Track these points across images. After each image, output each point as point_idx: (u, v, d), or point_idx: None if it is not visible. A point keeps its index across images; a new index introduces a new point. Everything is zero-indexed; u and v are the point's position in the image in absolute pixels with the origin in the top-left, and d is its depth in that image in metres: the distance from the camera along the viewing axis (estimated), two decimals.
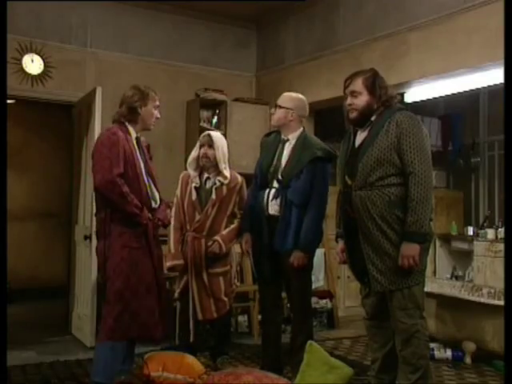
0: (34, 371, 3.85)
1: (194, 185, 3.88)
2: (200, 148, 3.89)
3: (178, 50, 5.85)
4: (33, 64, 5.07)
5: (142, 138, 3.37)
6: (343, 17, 5.19)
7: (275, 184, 3.52)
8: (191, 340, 3.90)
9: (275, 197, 3.50)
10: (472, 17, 4.11)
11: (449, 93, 5.03)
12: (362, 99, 2.92)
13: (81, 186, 4.97)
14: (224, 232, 3.83)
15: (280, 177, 3.51)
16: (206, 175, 3.90)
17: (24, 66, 5.03)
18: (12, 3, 4.36)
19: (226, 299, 3.88)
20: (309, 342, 3.28)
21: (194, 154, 3.94)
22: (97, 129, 4.57)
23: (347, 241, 3.06)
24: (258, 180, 3.65)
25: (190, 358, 3.57)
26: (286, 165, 3.52)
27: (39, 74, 5.10)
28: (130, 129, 3.23)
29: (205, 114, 5.82)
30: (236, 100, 5.90)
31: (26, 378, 3.71)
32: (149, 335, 3.12)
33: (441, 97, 5.40)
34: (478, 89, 5.20)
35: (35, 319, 5.66)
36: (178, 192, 3.97)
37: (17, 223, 6.56)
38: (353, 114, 2.96)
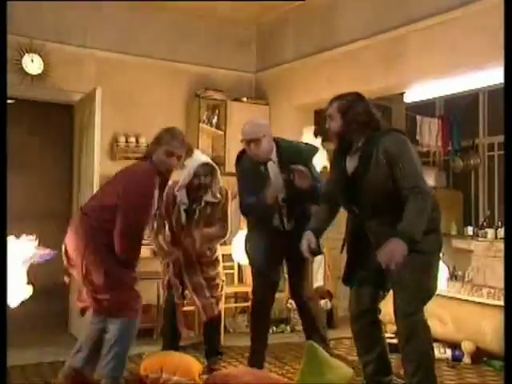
0: (34, 371, 3.85)
1: (183, 207, 3.79)
2: (194, 177, 3.71)
3: (177, 50, 5.84)
4: (33, 64, 5.06)
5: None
6: (343, 17, 5.18)
7: (282, 205, 3.50)
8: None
9: (289, 217, 3.52)
10: (472, 17, 4.10)
11: (449, 93, 5.03)
12: (336, 123, 2.89)
13: (81, 187, 4.97)
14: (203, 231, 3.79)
15: (284, 200, 3.48)
16: (192, 197, 3.80)
17: (24, 65, 5.02)
18: (12, 3, 4.35)
19: (221, 294, 3.93)
20: (309, 342, 3.29)
21: (185, 180, 3.73)
22: (97, 129, 4.57)
23: (355, 254, 3.03)
24: (259, 212, 3.55)
25: (189, 358, 3.58)
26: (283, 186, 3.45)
27: (39, 74, 5.10)
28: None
29: (205, 114, 5.82)
30: (236, 100, 5.89)
31: (26, 378, 3.71)
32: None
33: (441, 97, 5.41)
34: (477, 89, 5.20)
35: (35, 319, 5.65)
36: (164, 203, 3.71)
37: (17, 223, 6.54)
38: (333, 140, 2.95)
